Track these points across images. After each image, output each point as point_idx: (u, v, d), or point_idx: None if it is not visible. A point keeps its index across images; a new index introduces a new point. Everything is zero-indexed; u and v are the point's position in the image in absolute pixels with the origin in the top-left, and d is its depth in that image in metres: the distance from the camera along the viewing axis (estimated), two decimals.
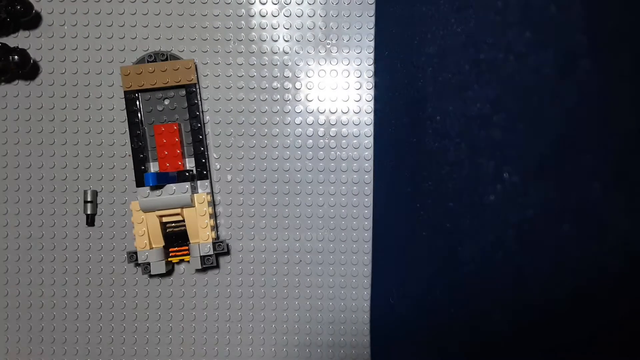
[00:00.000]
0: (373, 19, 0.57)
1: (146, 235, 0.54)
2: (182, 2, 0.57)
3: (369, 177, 0.57)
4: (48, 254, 0.58)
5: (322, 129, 0.57)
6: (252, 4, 0.57)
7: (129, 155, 0.57)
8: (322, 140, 0.57)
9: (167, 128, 0.55)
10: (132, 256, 0.54)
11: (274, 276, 0.58)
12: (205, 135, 0.57)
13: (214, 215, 0.57)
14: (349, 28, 0.57)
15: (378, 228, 0.57)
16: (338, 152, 0.57)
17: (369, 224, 0.58)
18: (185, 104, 0.56)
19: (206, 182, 0.56)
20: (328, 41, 0.57)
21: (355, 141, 0.57)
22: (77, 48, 0.57)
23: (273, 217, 0.58)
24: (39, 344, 0.58)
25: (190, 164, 0.56)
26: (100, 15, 0.57)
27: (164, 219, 0.55)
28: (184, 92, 0.56)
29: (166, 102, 0.57)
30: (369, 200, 0.57)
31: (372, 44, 0.57)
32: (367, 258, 0.58)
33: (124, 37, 0.57)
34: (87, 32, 0.57)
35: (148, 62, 0.56)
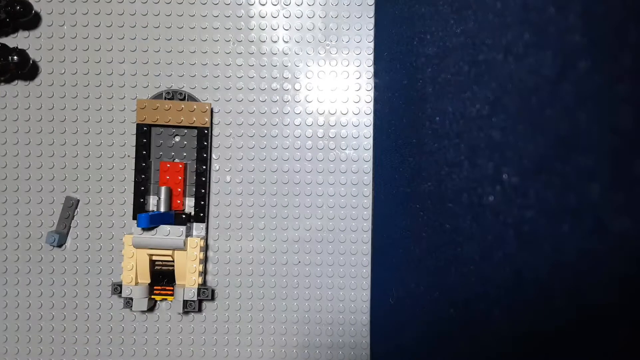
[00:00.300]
0: (372, 20, 0.57)
1: (134, 270, 0.54)
2: (181, 3, 0.57)
3: (368, 178, 0.57)
4: (47, 254, 0.58)
5: (321, 130, 0.57)
6: (252, 5, 0.57)
7: (128, 156, 0.57)
8: (321, 141, 0.57)
9: (173, 166, 0.55)
10: (117, 288, 0.54)
11: (272, 277, 0.58)
12: (210, 178, 0.57)
13: (205, 261, 0.57)
14: (349, 29, 0.57)
15: (377, 229, 0.57)
16: (337, 153, 0.57)
17: (368, 224, 0.58)
18: (195, 145, 0.56)
19: (202, 225, 0.56)
20: (327, 42, 0.57)
21: (354, 142, 0.57)
22: (76, 48, 0.57)
23: (272, 218, 0.58)
24: (38, 344, 0.58)
25: (189, 203, 0.56)
26: (99, 16, 0.57)
27: (154, 257, 0.55)
28: (195, 132, 0.56)
29: (177, 138, 0.57)
30: (368, 201, 0.58)
31: (372, 45, 0.57)
32: (366, 259, 0.58)
33: (123, 37, 0.57)
34: (87, 32, 0.57)
35: (166, 98, 0.56)
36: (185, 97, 0.56)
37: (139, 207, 0.55)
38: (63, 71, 0.57)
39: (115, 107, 0.57)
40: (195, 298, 0.54)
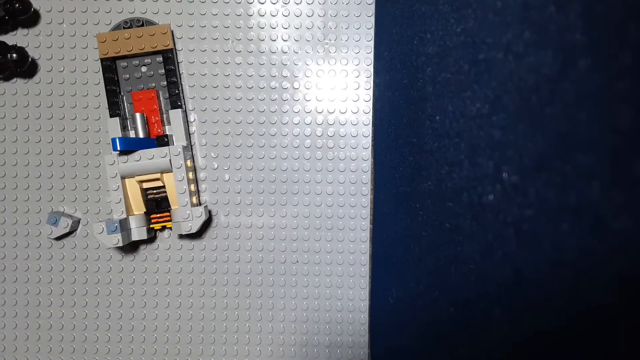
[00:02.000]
0: (372, 19, 0.57)
1: (122, 202, 0.53)
2: (180, 1, 0.57)
3: (366, 177, 0.57)
4: (45, 252, 0.58)
5: (320, 129, 0.57)
6: (251, 3, 0.57)
7: None
8: (320, 140, 0.57)
9: (145, 95, 0.55)
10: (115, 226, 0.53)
11: (270, 276, 0.58)
12: (184, 101, 0.57)
13: (196, 181, 0.57)
14: (348, 28, 0.57)
15: (377, 228, 0.57)
16: (336, 152, 0.57)
17: (366, 224, 0.58)
18: (163, 70, 0.56)
19: (179, 149, 0.53)
20: (326, 41, 0.57)
21: (353, 141, 0.57)
22: (75, 46, 0.57)
23: (271, 217, 0.58)
24: (36, 341, 0.58)
25: (169, 130, 0.56)
26: (98, 14, 0.57)
27: (145, 185, 0.55)
28: (161, 58, 0.56)
29: (143, 69, 0.56)
30: (366, 200, 0.58)
31: (371, 44, 0.57)
32: (365, 258, 0.58)
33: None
34: (86, 30, 0.57)
35: (124, 28, 0.55)
36: (143, 23, 0.56)
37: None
38: (62, 69, 0.57)
39: None
40: (191, 218, 0.53)
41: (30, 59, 0.55)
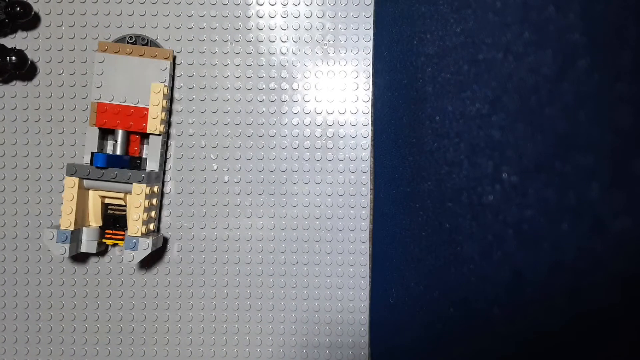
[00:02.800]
0: (370, 20, 0.57)
1: (73, 214, 0.51)
2: (179, 3, 0.57)
3: (366, 178, 0.57)
4: (46, 254, 0.58)
5: (319, 130, 0.57)
6: (250, 4, 0.57)
7: None
8: (319, 141, 0.57)
9: (137, 111, 0.54)
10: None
11: (270, 277, 0.58)
12: (169, 125, 0.57)
13: (159, 207, 0.57)
14: (346, 29, 0.57)
15: (377, 228, 0.57)
16: (335, 153, 0.57)
17: (366, 224, 0.58)
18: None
19: (143, 174, 0.52)
20: (325, 42, 0.57)
21: (352, 142, 0.57)
22: (74, 49, 0.57)
23: (270, 218, 0.58)
24: (37, 344, 0.58)
25: (147, 150, 0.56)
26: (97, 17, 0.57)
27: (107, 200, 0.54)
28: None
29: None
30: (366, 201, 0.58)
31: (369, 44, 0.57)
32: (365, 258, 0.58)
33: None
34: (85, 33, 0.57)
35: (128, 42, 0.55)
36: (148, 42, 0.56)
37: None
38: (61, 72, 0.57)
39: None
40: (136, 248, 0.51)
41: (29, 62, 0.55)
